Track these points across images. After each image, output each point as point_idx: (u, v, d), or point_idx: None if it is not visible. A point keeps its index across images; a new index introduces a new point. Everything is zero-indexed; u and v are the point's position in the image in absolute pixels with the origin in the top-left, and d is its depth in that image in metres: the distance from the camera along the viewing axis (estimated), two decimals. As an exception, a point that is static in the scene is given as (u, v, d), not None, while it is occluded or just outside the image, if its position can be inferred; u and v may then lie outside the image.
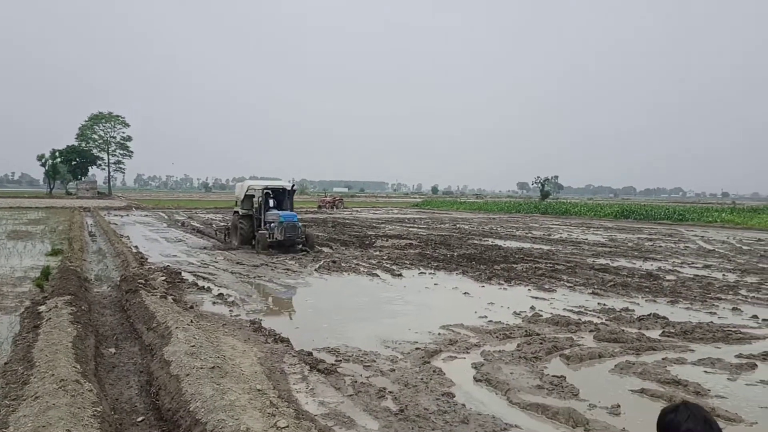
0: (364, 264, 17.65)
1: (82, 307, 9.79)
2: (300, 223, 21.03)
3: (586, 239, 29.08)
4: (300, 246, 20.58)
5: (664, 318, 10.71)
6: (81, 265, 15.23)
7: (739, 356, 8.36)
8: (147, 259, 17.62)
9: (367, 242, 24.26)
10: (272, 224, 20.51)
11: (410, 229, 34.03)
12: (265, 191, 21.61)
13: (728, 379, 7.45)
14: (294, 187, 22.61)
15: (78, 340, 7.75)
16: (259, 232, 20.90)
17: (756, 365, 7.99)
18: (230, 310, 11.03)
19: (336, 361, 7.83)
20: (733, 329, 9.97)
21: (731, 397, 6.76)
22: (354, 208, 65.48)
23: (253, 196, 22.23)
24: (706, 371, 7.72)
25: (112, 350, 8.46)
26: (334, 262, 17.71)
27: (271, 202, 21.77)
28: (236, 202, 23.19)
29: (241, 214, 22.42)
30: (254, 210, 21.96)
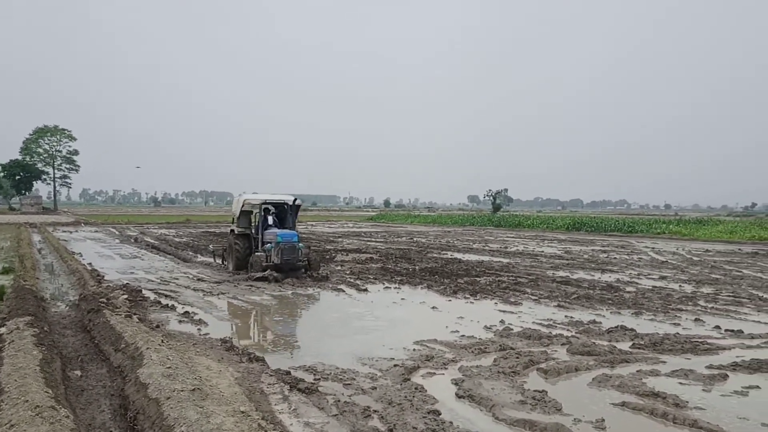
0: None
1: (44, 329, 9.43)
2: (301, 244, 18.41)
3: (543, 252, 29.49)
4: (303, 270, 18.01)
5: (632, 330, 10.88)
6: (35, 284, 14.69)
7: (710, 367, 8.52)
8: (104, 276, 17.12)
9: (328, 257, 24.08)
10: (269, 245, 17.94)
11: (368, 243, 33.98)
12: (263, 206, 19.00)
13: (703, 390, 7.58)
14: (297, 202, 19.70)
15: (45, 363, 7.44)
16: (255, 254, 18.22)
17: (727, 376, 8.16)
18: (198, 329, 10.76)
19: (315, 379, 7.70)
20: (700, 340, 10.18)
21: (710, 408, 6.87)
22: (308, 222, 65.07)
23: (250, 212, 19.79)
24: (681, 383, 7.84)
25: (78, 373, 8.14)
26: (297, 277, 17.50)
27: (271, 219, 18.97)
28: (232, 219, 20.19)
29: (236, 233, 19.41)
30: (252, 228, 19.40)
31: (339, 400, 6.85)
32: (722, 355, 9.35)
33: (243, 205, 19.29)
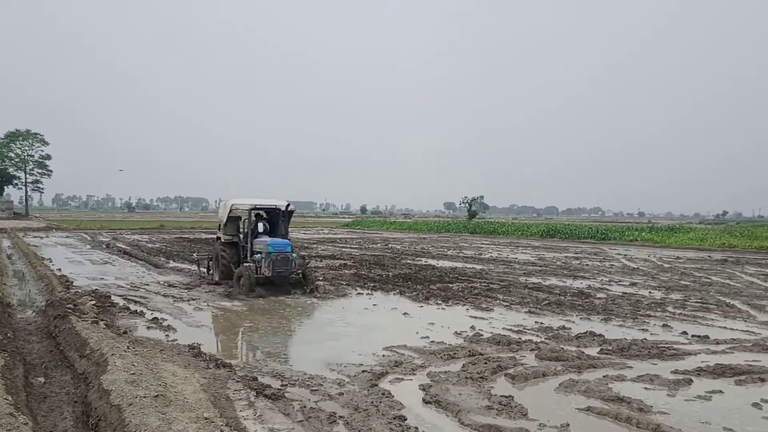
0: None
1: (8, 335, 9.28)
2: (294, 255, 16.57)
3: (516, 258, 29.67)
4: (295, 285, 16.33)
5: (600, 335, 10.98)
6: (2, 290, 14.46)
7: (675, 372, 8.62)
8: (72, 282, 16.88)
9: (301, 263, 23.98)
10: (259, 255, 16.12)
11: (343, 249, 33.95)
12: (254, 212, 17.21)
13: (668, 395, 7.66)
14: (290, 208, 17.86)
15: (6, 369, 7.32)
16: (244, 264, 16.27)
17: (692, 381, 8.25)
18: (166, 335, 10.66)
19: (282, 385, 7.66)
20: (666, 345, 10.29)
21: (673, 413, 6.95)
22: (284, 228, 64.76)
23: (238, 217, 17.96)
24: (646, 388, 7.92)
25: (41, 379, 8.02)
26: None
27: (261, 226, 17.27)
28: (219, 225, 18.43)
29: (223, 240, 17.66)
30: (241, 236, 17.57)
31: (305, 406, 6.82)
32: (688, 360, 9.47)
33: (231, 211, 17.44)
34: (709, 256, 33.26)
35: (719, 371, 8.66)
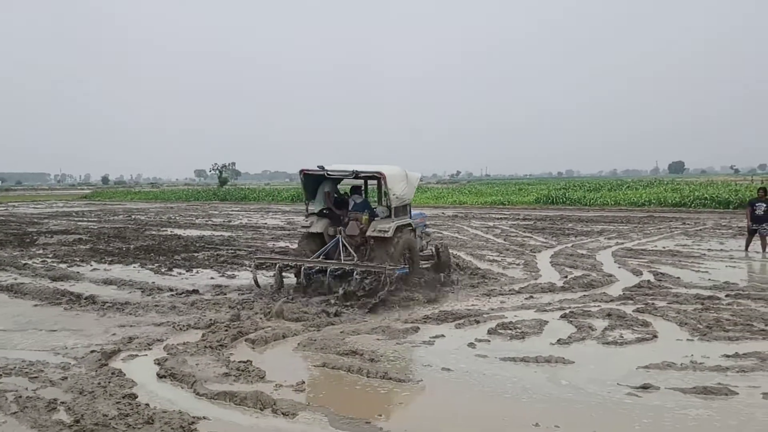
0: (26, 263, 15.78)
1: None
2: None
3: (266, 223, 29.79)
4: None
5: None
6: None
7: (405, 322, 9.26)
8: None
9: (28, 240, 21.74)
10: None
11: (79, 223, 31.36)
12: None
13: (397, 344, 8.20)
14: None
15: None
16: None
17: (419, 328, 8.92)
18: None
19: (-6, 376, 6.88)
20: (401, 299, 10.95)
21: (399, 359, 7.49)
22: (9, 203, 58.11)
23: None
24: (378, 339, 8.41)
25: None
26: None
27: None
28: (390, 208, 11.60)
29: (391, 231, 11.06)
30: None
31: (21, 396, 6.19)
32: (417, 310, 10.16)
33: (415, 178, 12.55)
34: (443, 213, 36.17)
35: (442, 317, 9.48)
